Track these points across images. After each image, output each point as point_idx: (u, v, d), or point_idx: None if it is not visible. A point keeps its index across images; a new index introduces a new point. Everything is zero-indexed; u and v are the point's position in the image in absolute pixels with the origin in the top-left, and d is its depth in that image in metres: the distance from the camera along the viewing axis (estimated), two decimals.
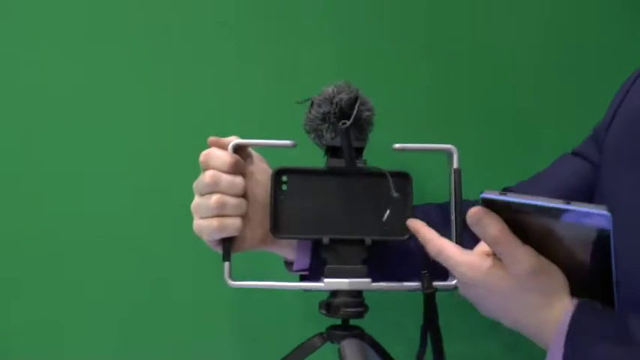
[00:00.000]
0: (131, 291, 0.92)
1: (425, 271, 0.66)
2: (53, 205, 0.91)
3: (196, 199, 0.66)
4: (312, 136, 0.70)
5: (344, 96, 0.69)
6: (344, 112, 0.68)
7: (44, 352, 0.92)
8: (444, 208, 0.71)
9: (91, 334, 0.92)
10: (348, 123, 0.63)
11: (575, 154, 0.82)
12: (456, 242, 0.68)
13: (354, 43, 0.96)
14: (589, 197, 0.75)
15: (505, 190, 0.78)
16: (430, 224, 0.73)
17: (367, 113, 0.70)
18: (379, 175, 0.67)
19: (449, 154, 0.69)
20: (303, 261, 0.71)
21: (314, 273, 0.70)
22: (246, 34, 0.95)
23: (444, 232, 0.71)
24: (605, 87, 0.80)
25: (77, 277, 0.92)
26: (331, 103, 0.69)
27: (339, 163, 0.67)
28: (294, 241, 0.71)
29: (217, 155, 0.66)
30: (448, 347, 0.75)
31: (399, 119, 0.95)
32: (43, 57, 0.91)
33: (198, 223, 0.66)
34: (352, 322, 0.67)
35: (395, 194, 0.65)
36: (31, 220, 0.91)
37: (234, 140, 0.67)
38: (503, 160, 0.98)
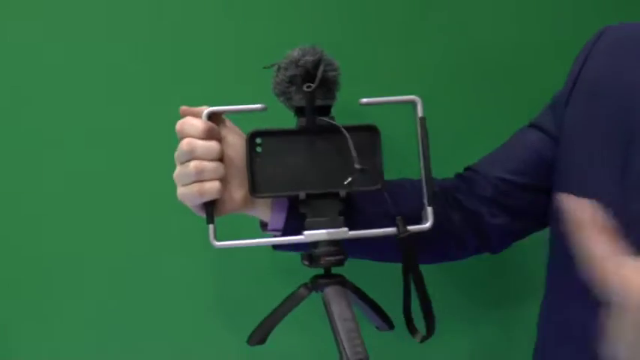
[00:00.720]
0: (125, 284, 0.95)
1: (399, 217, 0.70)
2: (49, 202, 0.93)
3: (177, 169, 0.69)
4: (282, 99, 0.73)
5: (309, 58, 0.72)
6: (309, 74, 0.70)
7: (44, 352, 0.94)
8: (417, 182, 0.74)
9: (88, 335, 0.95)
10: (313, 86, 0.66)
11: (532, 126, 0.81)
12: (428, 190, 0.72)
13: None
14: (546, 173, 0.77)
15: (467, 169, 0.83)
16: (403, 192, 0.78)
17: (332, 73, 0.73)
18: (346, 129, 0.71)
19: (414, 104, 0.72)
20: (277, 222, 0.74)
21: (288, 231, 0.73)
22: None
23: (416, 200, 0.75)
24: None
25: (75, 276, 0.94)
26: (297, 66, 0.71)
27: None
28: (271, 203, 0.74)
29: (192, 123, 0.68)
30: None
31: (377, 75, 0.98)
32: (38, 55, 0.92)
33: (181, 191, 0.69)
34: (334, 270, 0.70)
35: (357, 166, 0.67)
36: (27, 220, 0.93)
37: (206, 109, 0.70)
38: (477, 121, 1.00)
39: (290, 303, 0.70)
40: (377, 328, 0.76)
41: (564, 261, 0.68)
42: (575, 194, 0.63)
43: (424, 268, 0.73)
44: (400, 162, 0.83)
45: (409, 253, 0.70)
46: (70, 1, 0.92)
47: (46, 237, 0.93)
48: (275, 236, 0.74)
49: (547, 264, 0.78)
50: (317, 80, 0.68)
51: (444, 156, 0.84)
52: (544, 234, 0.79)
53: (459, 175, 0.84)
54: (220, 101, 0.88)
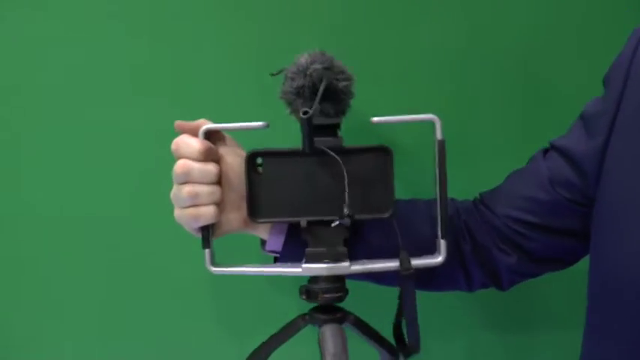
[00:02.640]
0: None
1: (403, 252, 0.64)
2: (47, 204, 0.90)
3: (173, 189, 0.66)
4: (289, 110, 0.68)
5: (317, 66, 0.65)
6: (319, 85, 0.64)
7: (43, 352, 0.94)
8: (431, 204, 0.68)
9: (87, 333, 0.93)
10: (310, 112, 0.59)
11: (553, 148, 0.70)
12: (443, 220, 0.66)
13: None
14: (566, 212, 0.68)
15: (480, 197, 0.75)
16: (415, 217, 0.72)
17: (344, 83, 0.67)
18: (355, 152, 0.65)
19: (432, 124, 0.65)
20: (275, 242, 0.70)
21: (286, 254, 0.70)
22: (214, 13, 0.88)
23: (428, 227, 0.69)
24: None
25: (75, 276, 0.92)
26: (305, 75, 0.65)
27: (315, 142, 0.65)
28: (270, 225, 0.70)
29: (188, 143, 0.64)
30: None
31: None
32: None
33: (177, 213, 0.66)
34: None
35: (346, 211, 0.62)
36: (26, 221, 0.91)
37: (203, 126, 0.65)
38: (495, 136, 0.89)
39: (286, 332, 0.67)
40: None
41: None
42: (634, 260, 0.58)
43: None
44: (410, 178, 0.76)
45: (408, 295, 0.65)
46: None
47: (45, 237, 0.91)
48: (274, 257, 0.71)
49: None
50: (315, 104, 0.61)
51: (458, 172, 0.77)
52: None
53: (474, 202, 0.77)
54: (224, 107, 0.84)
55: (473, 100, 0.87)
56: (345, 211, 0.62)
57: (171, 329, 0.91)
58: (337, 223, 0.63)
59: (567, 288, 0.89)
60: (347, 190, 0.63)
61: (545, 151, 0.72)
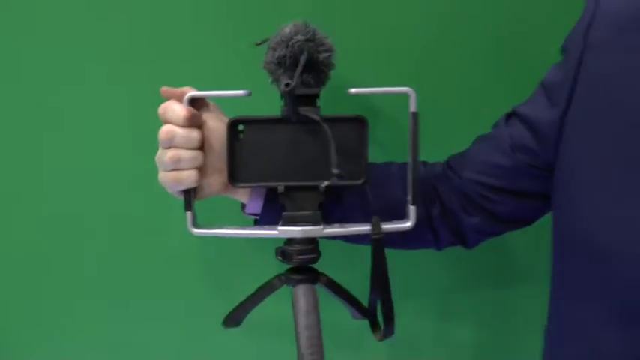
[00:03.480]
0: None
1: (375, 217, 0.68)
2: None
3: (158, 153, 0.69)
4: (271, 79, 0.70)
5: (300, 37, 0.68)
6: (300, 58, 0.67)
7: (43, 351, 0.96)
8: (403, 167, 0.72)
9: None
10: (292, 84, 0.62)
11: (515, 115, 0.73)
12: (413, 189, 0.69)
13: None
14: (526, 176, 0.71)
15: (449, 161, 0.78)
16: (388, 181, 0.75)
17: (325, 55, 0.70)
18: (332, 120, 0.67)
19: (407, 96, 0.68)
20: (255, 206, 0.74)
21: (265, 217, 0.73)
22: None
23: (400, 190, 0.73)
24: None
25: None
26: (287, 46, 0.68)
27: None
28: (249, 189, 0.73)
29: (173, 109, 0.67)
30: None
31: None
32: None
33: (160, 176, 0.69)
34: None
35: (335, 171, 0.64)
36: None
37: (188, 93, 0.68)
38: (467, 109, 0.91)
39: (263, 292, 0.71)
40: (353, 316, 0.77)
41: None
42: (594, 224, 0.62)
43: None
44: (385, 150, 0.79)
45: (379, 257, 0.68)
46: None
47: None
48: (254, 221, 0.74)
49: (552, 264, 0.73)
50: (296, 77, 0.64)
51: (433, 141, 0.79)
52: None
53: (443, 165, 0.80)
54: (208, 77, 0.86)
55: (447, 72, 0.89)
56: (335, 171, 0.65)
57: (158, 288, 0.95)
58: (327, 183, 0.67)
59: (534, 243, 0.94)
60: (334, 151, 0.65)
61: (508, 117, 0.75)
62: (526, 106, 0.72)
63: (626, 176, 0.60)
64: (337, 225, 0.70)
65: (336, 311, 0.79)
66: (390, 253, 0.71)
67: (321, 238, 0.70)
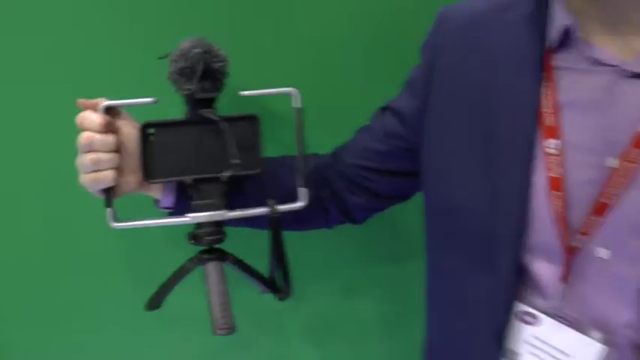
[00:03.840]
0: None
1: (270, 200, 0.80)
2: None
3: (78, 157, 0.77)
4: (175, 88, 0.81)
5: (197, 50, 0.79)
6: (197, 67, 0.78)
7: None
8: (295, 159, 0.83)
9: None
10: (192, 89, 0.75)
11: (388, 109, 0.87)
12: (302, 172, 0.81)
13: None
14: (400, 158, 0.85)
15: (336, 150, 0.91)
16: (282, 171, 0.87)
17: (219, 64, 0.81)
18: (229, 119, 0.79)
19: (291, 96, 0.80)
20: (168, 200, 0.84)
21: (178, 208, 0.83)
22: None
23: (293, 178, 0.83)
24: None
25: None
26: (186, 58, 0.79)
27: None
28: (162, 185, 0.83)
29: (90, 118, 0.76)
30: None
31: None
32: None
33: (81, 178, 0.78)
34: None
35: (233, 161, 0.77)
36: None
37: (102, 102, 0.78)
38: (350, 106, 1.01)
39: (179, 275, 0.81)
40: (260, 291, 0.87)
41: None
42: (447, 188, 0.77)
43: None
44: (282, 146, 0.91)
45: (277, 233, 0.81)
46: None
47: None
48: (168, 213, 0.84)
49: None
50: (194, 82, 0.76)
51: (321, 135, 0.94)
52: None
53: (331, 155, 0.93)
54: (122, 91, 0.96)
55: (330, 73, 1.01)
56: (234, 161, 0.77)
57: (83, 285, 1.02)
58: (228, 173, 0.78)
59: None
60: (232, 144, 0.77)
61: (383, 110, 0.89)
62: (395, 100, 0.87)
63: (466, 149, 0.75)
64: (239, 210, 0.81)
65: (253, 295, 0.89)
66: (295, 242, 0.83)
67: (226, 220, 0.80)
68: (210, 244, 0.80)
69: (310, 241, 0.98)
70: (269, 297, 0.86)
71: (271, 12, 0.98)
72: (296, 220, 0.85)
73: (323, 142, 0.93)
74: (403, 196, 0.92)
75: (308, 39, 1.00)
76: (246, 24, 0.98)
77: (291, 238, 0.84)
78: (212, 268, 0.78)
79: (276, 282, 0.85)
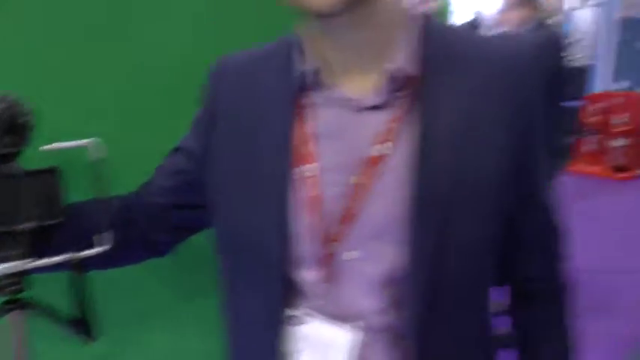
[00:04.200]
0: None
1: (71, 255, 0.85)
2: None
3: None
4: None
5: (1, 106, 0.82)
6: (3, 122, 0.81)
7: None
8: (104, 202, 0.87)
9: None
10: None
11: (178, 149, 0.95)
12: (105, 218, 0.85)
13: None
14: (193, 192, 0.91)
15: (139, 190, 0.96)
16: (90, 214, 0.89)
17: (23, 119, 0.83)
18: (31, 174, 0.82)
19: (87, 148, 0.84)
20: None
21: None
22: None
23: (101, 220, 0.87)
24: None
25: None
26: None
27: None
28: None
29: None
30: None
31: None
32: None
33: None
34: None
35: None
36: None
37: None
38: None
39: None
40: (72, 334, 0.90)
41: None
42: (227, 220, 0.86)
43: None
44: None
45: (78, 275, 0.86)
46: None
47: None
48: None
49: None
50: None
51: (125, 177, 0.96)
52: None
53: (134, 194, 0.98)
54: None
55: (134, 120, 1.09)
56: (24, 220, 0.81)
57: None
58: (28, 226, 0.82)
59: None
60: (22, 204, 0.81)
61: (175, 150, 0.96)
62: (184, 139, 0.95)
63: (240, 183, 0.85)
64: (41, 259, 0.84)
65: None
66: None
67: (27, 269, 0.83)
68: (11, 295, 0.83)
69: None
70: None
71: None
72: (108, 260, 0.89)
73: (127, 183, 0.96)
74: (196, 229, 0.98)
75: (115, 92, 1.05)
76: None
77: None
78: (12, 320, 0.81)
79: (84, 326, 0.89)
